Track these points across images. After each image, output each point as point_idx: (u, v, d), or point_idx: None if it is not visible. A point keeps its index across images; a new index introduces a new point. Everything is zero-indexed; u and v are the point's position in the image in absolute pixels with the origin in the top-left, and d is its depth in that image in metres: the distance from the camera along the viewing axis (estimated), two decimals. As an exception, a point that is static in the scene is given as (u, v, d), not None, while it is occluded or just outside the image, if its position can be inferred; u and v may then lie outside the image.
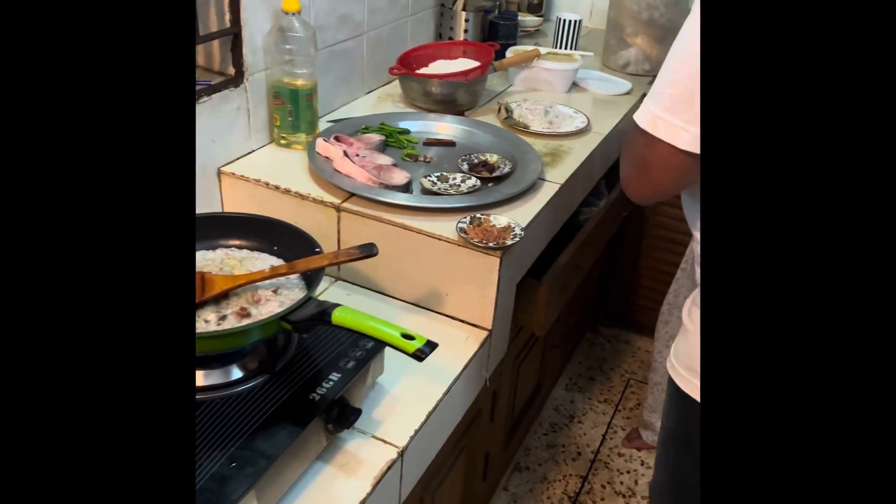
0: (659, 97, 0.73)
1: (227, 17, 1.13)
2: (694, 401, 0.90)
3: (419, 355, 0.74)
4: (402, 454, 0.86)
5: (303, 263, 0.87)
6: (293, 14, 1.17)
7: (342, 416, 0.82)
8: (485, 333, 1.07)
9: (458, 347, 1.03)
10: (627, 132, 0.84)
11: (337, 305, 0.78)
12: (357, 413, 0.83)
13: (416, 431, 0.89)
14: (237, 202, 1.19)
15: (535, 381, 1.65)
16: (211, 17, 1.14)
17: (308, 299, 0.81)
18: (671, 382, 0.95)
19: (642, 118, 0.76)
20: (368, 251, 0.86)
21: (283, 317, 0.78)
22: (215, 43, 1.17)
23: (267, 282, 0.88)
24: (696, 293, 0.93)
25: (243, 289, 0.86)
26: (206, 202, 1.18)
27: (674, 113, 0.72)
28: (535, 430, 1.80)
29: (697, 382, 0.89)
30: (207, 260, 0.93)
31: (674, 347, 0.95)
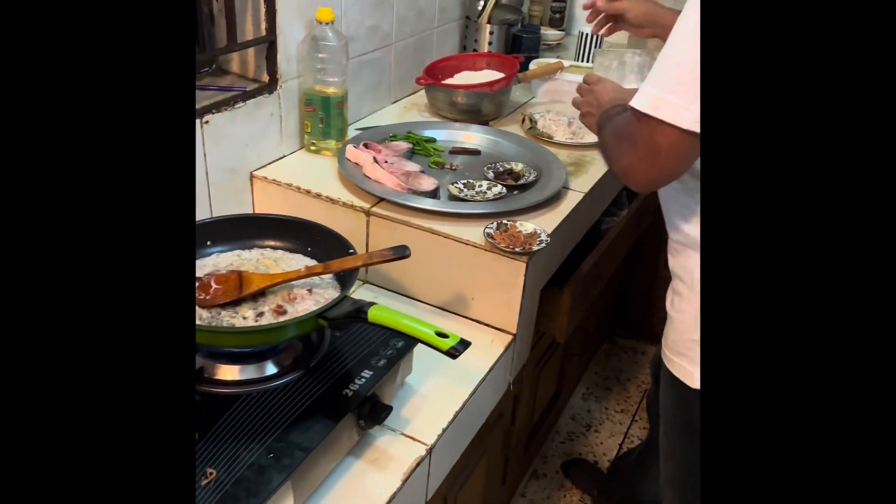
0: (659, 80, 0.74)
1: (264, 25, 1.17)
2: (685, 385, 0.94)
3: (453, 353, 0.76)
4: (430, 451, 0.88)
5: (337, 263, 0.89)
6: (327, 24, 1.20)
7: (374, 412, 0.84)
8: (509, 338, 1.09)
9: (483, 350, 1.05)
10: (612, 124, 0.87)
11: (373, 304, 0.80)
12: (388, 410, 0.85)
13: (444, 430, 0.91)
14: (268, 205, 1.22)
15: (555, 389, 1.67)
16: (247, 26, 1.18)
17: (343, 298, 0.83)
18: (666, 371, 0.99)
19: (642, 102, 0.75)
20: (401, 253, 0.89)
21: (321, 314, 0.81)
22: (251, 51, 1.20)
23: (302, 281, 0.90)
24: (674, 283, 0.97)
25: (279, 287, 0.89)
26: (238, 204, 1.21)
27: (675, 94, 0.72)
28: (552, 438, 1.82)
29: (687, 366, 0.94)
30: (243, 259, 0.96)
31: (664, 334, 0.99)
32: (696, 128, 0.72)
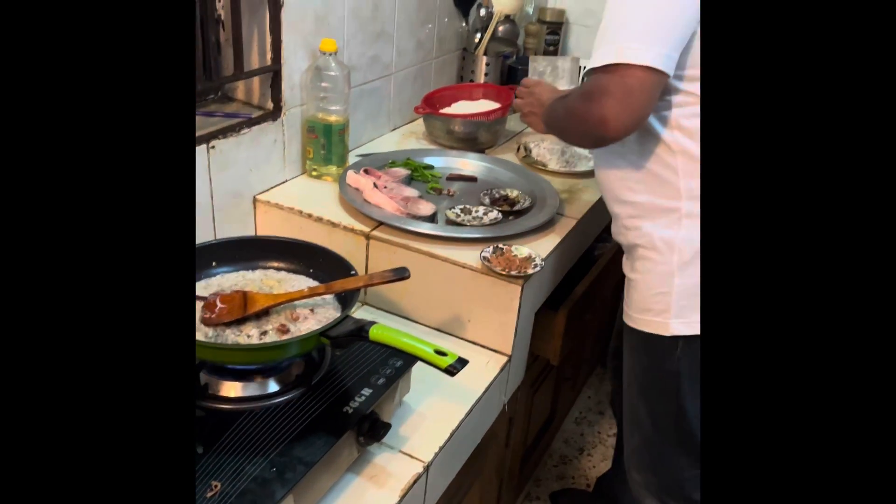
0: (613, 38, 0.87)
1: (269, 55, 1.22)
2: (657, 337, 1.00)
3: (451, 370, 0.79)
4: (427, 469, 0.91)
5: (339, 284, 0.92)
6: (330, 54, 1.25)
7: (373, 429, 0.86)
8: (504, 359, 1.12)
9: (479, 371, 1.08)
10: (564, 102, 0.98)
11: (373, 323, 0.83)
12: (387, 427, 0.88)
13: (441, 448, 0.93)
14: (270, 228, 1.25)
15: (548, 412, 1.69)
16: (253, 55, 1.22)
17: (345, 317, 0.86)
18: (633, 334, 1.05)
19: (606, 57, 0.86)
20: (401, 274, 0.92)
21: (323, 332, 0.84)
22: (256, 79, 1.25)
23: (304, 301, 0.93)
24: (633, 253, 1.05)
25: (283, 307, 0.92)
26: (241, 227, 1.24)
27: (633, 41, 0.85)
28: (545, 461, 1.83)
29: (656, 318, 1.00)
30: (247, 279, 0.98)
31: (626, 302, 1.07)
32: (659, 63, 0.85)
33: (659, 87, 0.88)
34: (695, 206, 0.96)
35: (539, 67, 1.56)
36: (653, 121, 0.96)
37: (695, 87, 0.92)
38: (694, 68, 0.91)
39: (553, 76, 1.54)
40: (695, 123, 0.93)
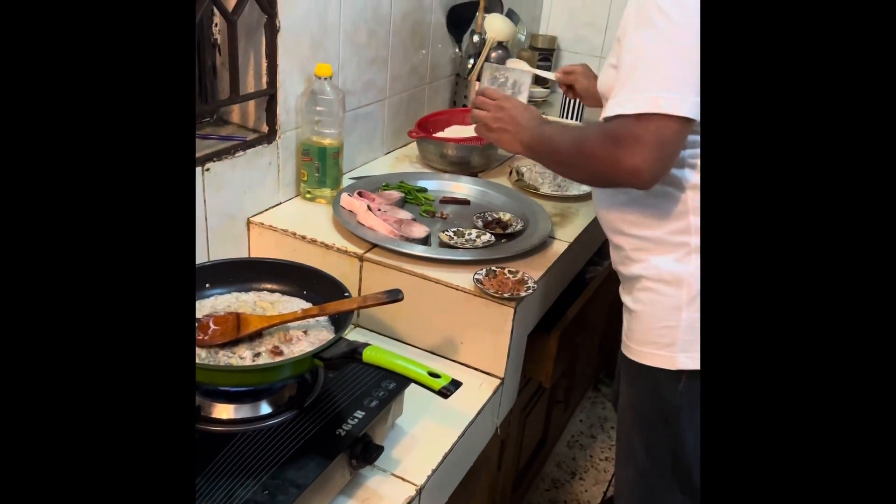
0: (650, 81, 0.83)
1: (265, 79, 1.23)
2: (661, 370, 0.98)
3: (445, 392, 0.79)
4: (419, 492, 0.90)
5: (333, 306, 0.93)
6: (325, 78, 1.26)
7: (365, 452, 0.86)
8: (497, 381, 1.12)
9: (472, 393, 1.08)
10: (581, 139, 0.93)
11: (367, 345, 0.84)
12: (379, 450, 0.88)
13: (433, 471, 0.93)
14: (264, 250, 1.26)
15: (540, 435, 1.68)
16: (249, 79, 1.24)
17: (339, 339, 0.86)
18: (633, 366, 1.02)
19: (641, 104, 0.83)
20: (394, 296, 0.92)
21: (317, 354, 0.84)
22: (251, 102, 1.26)
23: (297, 323, 0.93)
24: (636, 284, 1.01)
25: (276, 329, 0.92)
26: (235, 249, 1.25)
27: (673, 90, 0.82)
28: (537, 485, 1.82)
29: (661, 352, 0.97)
30: (241, 301, 0.99)
31: (626, 333, 1.04)
32: (695, 114, 0.83)
33: (689, 134, 0.87)
34: None
35: (500, 78, 1.48)
36: None
37: None
38: None
39: (513, 90, 1.46)
40: None
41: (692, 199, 0.94)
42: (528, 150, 1.07)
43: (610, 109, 0.88)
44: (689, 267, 0.95)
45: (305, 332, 0.93)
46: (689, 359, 0.96)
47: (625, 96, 0.85)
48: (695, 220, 0.94)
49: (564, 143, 0.98)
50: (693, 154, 0.93)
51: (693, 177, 0.94)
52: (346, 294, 0.95)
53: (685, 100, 0.82)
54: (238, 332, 0.90)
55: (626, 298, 1.04)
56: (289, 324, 0.93)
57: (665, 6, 0.83)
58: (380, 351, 0.83)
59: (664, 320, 0.97)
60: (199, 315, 0.93)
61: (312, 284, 1.00)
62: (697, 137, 0.92)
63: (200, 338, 0.88)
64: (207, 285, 0.99)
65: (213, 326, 0.90)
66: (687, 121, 0.83)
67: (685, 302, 0.95)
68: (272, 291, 1.01)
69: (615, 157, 0.87)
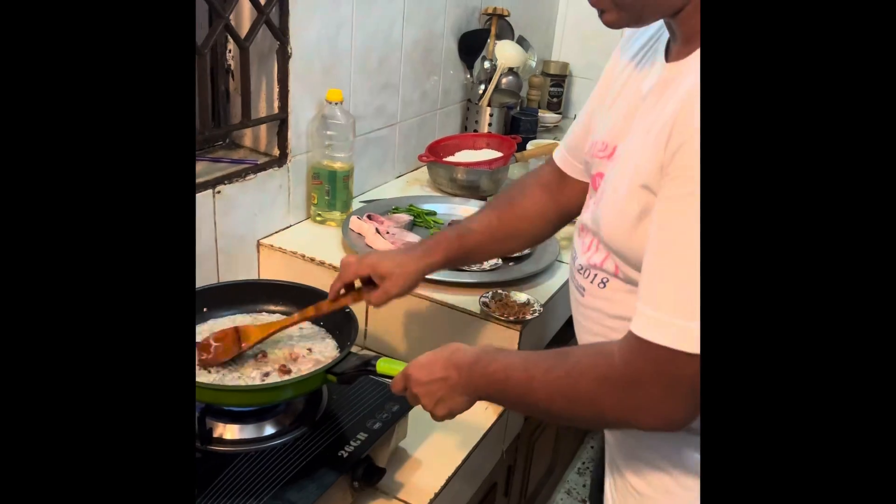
0: (692, 304, 0.58)
1: (276, 104, 1.25)
2: None
3: (449, 413, 0.79)
4: (422, 516, 0.90)
5: (327, 304, 0.93)
6: (336, 104, 1.28)
7: (368, 474, 0.86)
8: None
9: (477, 417, 1.07)
10: (566, 377, 0.69)
11: (380, 356, 0.85)
12: (381, 473, 0.87)
13: (437, 495, 0.93)
14: (274, 272, 1.27)
15: (549, 462, 1.67)
16: (261, 104, 1.26)
17: (349, 353, 0.87)
18: None
19: (680, 339, 0.60)
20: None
21: (329, 370, 0.84)
22: (263, 126, 1.28)
23: (301, 340, 0.94)
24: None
25: (280, 346, 0.93)
26: (245, 271, 1.26)
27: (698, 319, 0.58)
28: (547, 513, 1.80)
29: None
30: (239, 324, 0.99)
31: None
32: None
33: None
34: None
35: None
36: None
37: None
38: None
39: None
40: None
41: None
42: (487, 398, 0.79)
43: (644, 326, 0.63)
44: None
45: (310, 350, 0.94)
46: None
47: (674, 318, 0.61)
48: None
49: (540, 382, 0.71)
50: None
51: None
52: (348, 310, 0.95)
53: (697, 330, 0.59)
54: (240, 345, 0.91)
55: (632, 480, 0.81)
56: (293, 340, 0.94)
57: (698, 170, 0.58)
58: (393, 362, 0.83)
59: None
60: (198, 339, 0.93)
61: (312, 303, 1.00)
62: None
63: (204, 358, 0.89)
64: (205, 309, 0.99)
65: (213, 344, 0.90)
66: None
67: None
68: (272, 313, 1.02)
69: (637, 405, 0.64)
